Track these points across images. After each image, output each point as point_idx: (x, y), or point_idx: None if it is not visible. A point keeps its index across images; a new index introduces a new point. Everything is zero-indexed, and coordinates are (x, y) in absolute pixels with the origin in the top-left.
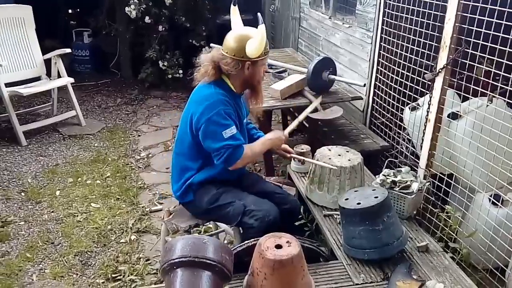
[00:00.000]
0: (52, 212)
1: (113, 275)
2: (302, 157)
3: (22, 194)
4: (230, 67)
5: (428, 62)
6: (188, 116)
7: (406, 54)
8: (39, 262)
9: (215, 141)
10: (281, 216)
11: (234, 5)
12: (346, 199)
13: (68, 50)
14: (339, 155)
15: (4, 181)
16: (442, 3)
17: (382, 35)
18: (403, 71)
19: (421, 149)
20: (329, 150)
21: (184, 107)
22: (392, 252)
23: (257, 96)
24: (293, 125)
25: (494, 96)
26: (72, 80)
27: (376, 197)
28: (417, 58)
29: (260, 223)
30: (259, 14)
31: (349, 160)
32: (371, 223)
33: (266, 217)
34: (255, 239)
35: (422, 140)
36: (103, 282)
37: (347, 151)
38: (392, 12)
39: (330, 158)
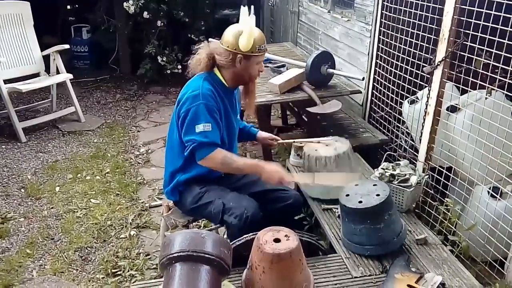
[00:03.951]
0: (52, 208)
1: (113, 270)
2: (288, 140)
3: (22, 190)
4: (222, 57)
5: (427, 55)
6: (177, 108)
7: (405, 47)
8: (39, 258)
9: (187, 133)
10: (284, 211)
11: (244, 6)
12: (347, 195)
13: (67, 46)
14: (327, 145)
15: (4, 178)
16: None
17: (380, 28)
18: (402, 65)
19: (420, 142)
20: (318, 142)
21: None
22: (392, 248)
23: (249, 95)
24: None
25: (493, 89)
26: (71, 76)
27: (378, 195)
28: (415, 51)
29: (239, 220)
30: (245, 6)
31: (335, 149)
32: (373, 222)
33: (244, 214)
34: (254, 233)
35: (421, 133)
36: (103, 278)
37: (336, 141)
38: (391, 5)
39: (316, 150)
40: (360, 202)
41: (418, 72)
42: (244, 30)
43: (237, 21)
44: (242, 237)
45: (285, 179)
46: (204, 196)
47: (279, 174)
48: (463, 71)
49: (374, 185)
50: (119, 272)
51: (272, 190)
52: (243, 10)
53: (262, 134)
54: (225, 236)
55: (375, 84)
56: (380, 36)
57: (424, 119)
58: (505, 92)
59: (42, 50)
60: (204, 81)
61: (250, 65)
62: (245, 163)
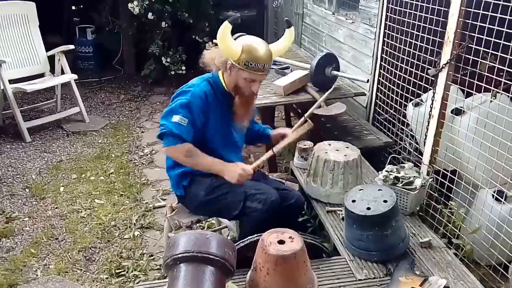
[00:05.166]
0: (56, 208)
1: (117, 271)
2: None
3: (27, 190)
4: (219, 57)
5: (432, 58)
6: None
7: (409, 49)
8: (43, 258)
9: (164, 117)
10: (286, 212)
11: (289, 27)
12: (353, 201)
13: (72, 47)
14: (337, 150)
15: (9, 177)
16: None
17: (385, 30)
18: (406, 67)
19: (424, 145)
20: (329, 145)
21: None
22: (398, 253)
23: (238, 108)
24: (259, 161)
25: (498, 92)
26: (75, 76)
27: (386, 201)
28: (420, 54)
29: (263, 205)
30: (290, 27)
31: (345, 155)
32: (380, 229)
33: (268, 199)
34: (258, 234)
35: (426, 136)
36: (107, 278)
37: (347, 147)
38: (396, 7)
39: (326, 152)
40: (368, 208)
41: (423, 74)
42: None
43: (241, 22)
44: (246, 239)
45: (245, 173)
46: (220, 186)
47: (238, 172)
48: (468, 74)
49: (379, 190)
50: (123, 273)
51: (275, 189)
52: (289, 32)
53: (274, 132)
54: (228, 237)
55: (379, 86)
56: (384, 38)
57: (428, 122)
58: (510, 95)
59: (47, 50)
60: (203, 81)
61: (238, 76)
62: (207, 161)
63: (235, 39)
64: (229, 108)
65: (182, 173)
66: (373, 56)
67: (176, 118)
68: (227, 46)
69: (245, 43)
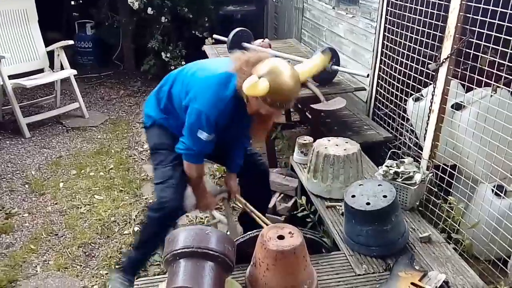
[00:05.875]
0: (56, 204)
1: (117, 266)
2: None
3: (26, 186)
4: (241, 75)
5: (432, 52)
6: (189, 80)
7: (410, 44)
8: (43, 254)
9: (189, 134)
10: (256, 179)
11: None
12: (353, 196)
13: (71, 42)
14: (337, 145)
15: (8, 173)
16: None
17: (386, 25)
18: (406, 62)
19: (424, 140)
20: (328, 141)
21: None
22: (397, 248)
23: (256, 127)
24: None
25: (499, 86)
26: (75, 72)
27: (385, 196)
28: (421, 48)
29: (158, 204)
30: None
31: (344, 149)
32: (380, 224)
33: (165, 203)
34: (257, 230)
35: (426, 131)
36: (106, 273)
37: (346, 142)
38: (396, 2)
39: (326, 147)
40: (368, 203)
41: (423, 69)
42: (267, 72)
43: (241, 17)
44: (246, 234)
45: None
46: (164, 151)
47: (206, 205)
48: (469, 68)
49: (379, 185)
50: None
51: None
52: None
53: (230, 179)
54: (227, 233)
55: (379, 81)
56: (385, 33)
57: (428, 117)
58: (510, 89)
59: (46, 45)
60: (232, 97)
61: (260, 107)
62: (199, 185)
63: (244, 49)
64: (243, 114)
65: (157, 123)
66: (373, 50)
67: (203, 136)
68: (256, 88)
69: (272, 82)
